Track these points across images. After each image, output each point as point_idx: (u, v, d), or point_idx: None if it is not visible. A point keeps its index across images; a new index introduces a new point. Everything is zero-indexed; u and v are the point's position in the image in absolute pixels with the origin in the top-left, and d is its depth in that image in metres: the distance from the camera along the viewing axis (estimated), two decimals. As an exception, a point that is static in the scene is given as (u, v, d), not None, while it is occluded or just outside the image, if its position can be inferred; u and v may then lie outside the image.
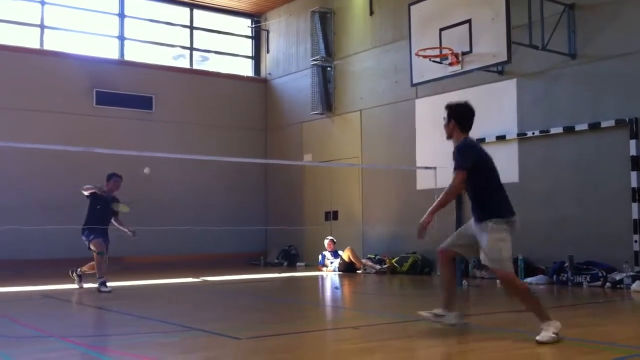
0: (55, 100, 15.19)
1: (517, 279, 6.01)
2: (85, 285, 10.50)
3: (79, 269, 10.63)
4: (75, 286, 10.51)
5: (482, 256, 5.91)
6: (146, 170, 7.08)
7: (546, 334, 5.38)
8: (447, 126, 6.37)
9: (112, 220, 10.77)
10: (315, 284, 12.09)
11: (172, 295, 10.16)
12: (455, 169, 6.03)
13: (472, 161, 6.02)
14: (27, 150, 13.08)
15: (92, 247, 10.35)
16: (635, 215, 10.21)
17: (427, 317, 6.20)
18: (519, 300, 5.80)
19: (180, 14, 17.55)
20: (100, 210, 10.59)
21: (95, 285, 10.06)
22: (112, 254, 13.44)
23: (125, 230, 10.73)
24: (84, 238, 10.49)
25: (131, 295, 10.11)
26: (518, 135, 11.84)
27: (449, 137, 6.35)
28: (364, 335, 6.08)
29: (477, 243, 5.97)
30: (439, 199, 6.09)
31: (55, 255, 14.45)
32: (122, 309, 8.10)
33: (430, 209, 6.09)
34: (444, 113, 6.40)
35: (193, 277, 12.48)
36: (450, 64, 11.28)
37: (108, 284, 10.04)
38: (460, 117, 6.34)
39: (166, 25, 17.44)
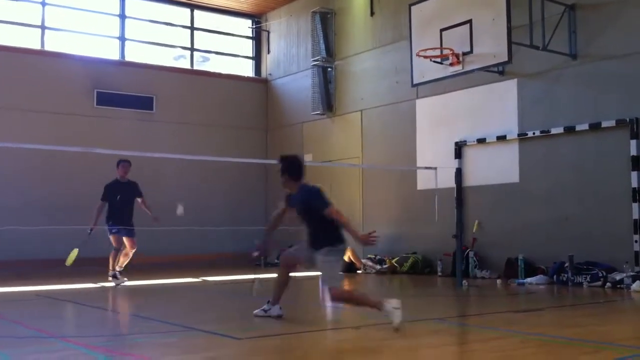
0: (56, 100, 15.20)
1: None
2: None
3: (110, 271, 11.02)
4: (113, 284, 10.87)
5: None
6: (179, 210, 7.36)
7: (393, 317, 5.93)
8: (282, 179, 7.06)
9: (140, 202, 11.26)
10: (315, 284, 12.06)
11: (172, 295, 10.15)
12: (324, 208, 6.83)
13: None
14: (28, 151, 13.09)
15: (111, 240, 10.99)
16: (635, 216, 10.20)
17: (259, 313, 6.88)
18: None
19: (181, 14, 17.56)
20: (120, 200, 11.03)
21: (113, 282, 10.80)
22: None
23: (149, 213, 11.19)
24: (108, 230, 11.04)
25: (131, 295, 10.11)
26: (519, 135, 11.84)
27: (286, 188, 7.08)
28: (364, 335, 6.08)
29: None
30: (347, 227, 6.76)
31: (55, 256, 14.43)
32: (123, 309, 8.10)
33: (355, 231, 6.68)
34: (278, 165, 7.05)
35: (193, 277, 12.48)
36: (451, 64, 11.27)
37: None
38: (295, 171, 7.05)
39: (167, 26, 17.44)
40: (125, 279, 11.02)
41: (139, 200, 11.30)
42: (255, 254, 7.18)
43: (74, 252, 10.76)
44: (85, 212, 14.59)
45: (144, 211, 11.31)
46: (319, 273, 6.76)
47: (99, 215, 11.03)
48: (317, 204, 6.84)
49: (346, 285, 7.13)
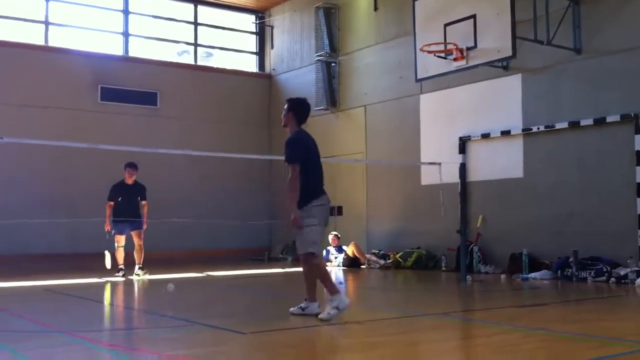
0: (60, 96, 15.23)
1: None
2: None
3: (137, 266, 11.42)
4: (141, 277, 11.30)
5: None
6: (170, 287, 7.67)
7: (328, 310, 6.28)
8: (285, 116, 6.99)
9: (141, 204, 11.60)
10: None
11: (176, 290, 10.17)
12: (287, 160, 6.78)
13: (303, 153, 6.80)
14: (32, 146, 13.13)
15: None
16: (640, 211, 10.20)
17: (295, 312, 6.67)
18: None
19: (185, 10, 17.56)
20: (123, 202, 11.42)
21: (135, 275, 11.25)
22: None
23: (144, 219, 11.53)
24: None
25: (137, 290, 10.14)
26: (523, 130, 11.82)
27: (285, 125, 7.04)
28: (368, 330, 6.09)
29: None
30: (290, 197, 6.69)
31: (59, 250, 14.51)
32: (128, 303, 8.13)
33: (292, 208, 6.63)
34: (285, 105, 7.04)
35: (197, 272, 12.50)
36: (455, 59, 11.25)
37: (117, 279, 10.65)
38: (299, 112, 6.94)
39: (170, 22, 17.45)
40: (147, 272, 11.41)
41: (141, 202, 11.57)
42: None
43: (106, 255, 11.49)
44: (89, 207, 14.71)
45: (141, 213, 11.60)
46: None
47: (109, 216, 11.43)
48: (289, 151, 6.79)
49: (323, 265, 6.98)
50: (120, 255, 11.47)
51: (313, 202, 6.70)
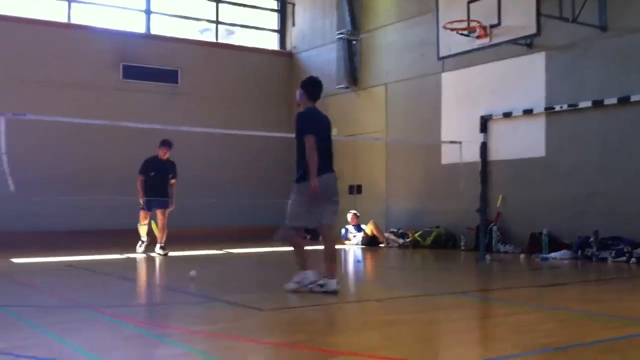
0: (82, 74, 15.30)
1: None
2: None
3: (158, 245, 11.48)
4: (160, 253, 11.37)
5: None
6: (192, 274, 7.64)
7: (294, 281, 6.68)
8: (299, 97, 7.12)
9: (171, 183, 11.66)
10: (338, 258, 12.13)
11: (196, 267, 10.26)
12: (302, 134, 6.85)
13: (314, 128, 6.86)
14: (55, 123, 13.21)
15: None
16: (663, 191, 10.07)
17: (314, 289, 6.68)
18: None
19: (206, -13, 17.51)
20: (154, 177, 11.48)
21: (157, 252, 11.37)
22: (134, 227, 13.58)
23: (172, 198, 11.58)
24: None
25: (158, 266, 10.25)
26: (545, 109, 11.69)
27: (299, 106, 7.14)
28: (387, 308, 6.11)
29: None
30: (311, 167, 6.72)
31: (82, 227, 14.67)
32: (148, 279, 8.22)
33: (312, 177, 6.67)
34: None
35: (217, 249, 12.59)
36: (478, 37, 11.14)
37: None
38: (310, 89, 7.04)
39: (192, -1, 17.42)
40: (168, 252, 11.36)
41: (171, 181, 11.62)
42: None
43: (152, 225, 11.63)
44: (111, 184, 14.84)
45: (170, 192, 11.66)
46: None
47: (142, 188, 11.50)
48: (300, 124, 6.87)
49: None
50: (143, 231, 11.62)
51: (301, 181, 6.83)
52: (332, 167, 7.07)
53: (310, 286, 6.70)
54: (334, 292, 6.54)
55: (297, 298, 6.53)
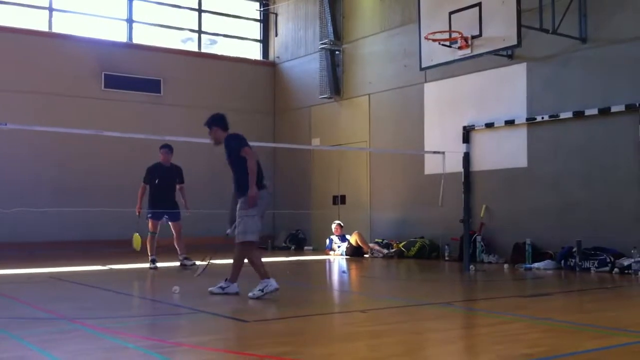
0: (63, 83, 15.21)
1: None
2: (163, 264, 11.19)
3: (181, 256, 11.13)
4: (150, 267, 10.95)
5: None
6: (175, 289, 7.58)
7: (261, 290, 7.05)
8: (213, 134, 7.68)
9: (179, 188, 11.28)
10: (322, 268, 12.12)
11: (180, 277, 10.20)
12: (240, 149, 7.33)
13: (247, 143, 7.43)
14: (36, 133, 13.12)
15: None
16: (644, 201, 10.17)
17: (215, 291, 7.37)
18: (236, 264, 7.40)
19: (189, -4, 17.51)
20: (159, 184, 11.03)
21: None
22: (124, 237, 13.37)
23: (184, 204, 11.26)
24: None
25: (141, 277, 10.17)
26: (527, 120, 11.78)
27: (217, 142, 7.66)
28: (371, 318, 6.09)
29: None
30: (252, 176, 7.19)
31: (64, 238, 14.55)
32: (132, 291, 8.15)
33: (252, 185, 7.18)
34: (206, 129, 7.80)
35: (201, 260, 12.50)
36: (460, 48, 11.21)
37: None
38: (221, 122, 7.68)
39: (174, 8, 17.38)
40: (194, 261, 10.81)
41: (178, 186, 11.25)
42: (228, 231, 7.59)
43: (136, 237, 10.95)
44: (93, 193, 14.75)
45: (180, 199, 11.31)
46: (237, 223, 7.24)
47: (141, 198, 11.06)
48: (235, 143, 7.36)
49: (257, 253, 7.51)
50: (152, 244, 10.94)
51: (260, 191, 7.27)
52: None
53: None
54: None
55: (282, 309, 6.50)
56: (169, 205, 11.02)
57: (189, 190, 11.57)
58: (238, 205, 7.25)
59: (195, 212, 11.78)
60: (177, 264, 11.17)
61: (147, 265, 10.95)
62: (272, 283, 7.11)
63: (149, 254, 10.94)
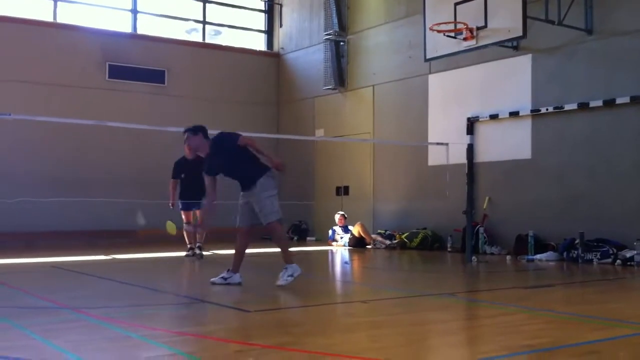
0: (68, 73, 15.21)
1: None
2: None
3: (188, 245, 11.42)
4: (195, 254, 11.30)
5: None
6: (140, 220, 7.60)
7: (285, 276, 7.08)
8: (195, 143, 7.60)
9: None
10: (325, 259, 12.14)
11: (183, 268, 10.23)
12: (237, 140, 7.33)
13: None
14: (40, 123, 13.13)
15: None
16: (648, 193, 10.15)
17: (217, 281, 7.33)
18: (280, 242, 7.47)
19: (193, -13, 17.47)
20: (185, 178, 11.24)
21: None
22: (127, 227, 13.38)
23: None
24: None
25: (143, 267, 10.20)
26: (532, 111, 11.75)
27: (198, 149, 7.66)
28: (373, 309, 6.10)
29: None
30: (267, 152, 7.48)
31: (67, 228, 14.58)
32: (134, 281, 8.18)
33: (273, 156, 7.50)
34: (185, 137, 7.71)
35: (205, 250, 12.54)
36: (465, 39, 11.17)
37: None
38: (204, 131, 7.57)
39: (179, -1, 17.37)
40: (202, 253, 11.26)
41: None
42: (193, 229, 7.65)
43: (169, 224, 10.95)
44: (96, 184, 14.77)
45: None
46: (257, 209, 7.22)
47: (173, 192, 11.35)
48: (228, 139, 7.34)
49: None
50: (189, 234, 11.30)
51: (268, 172, 7.32)
52: None
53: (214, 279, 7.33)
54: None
55: (284, 299, 6.52)
56: (197, 197, 11.23)
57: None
58: (257, 189, 7.19)
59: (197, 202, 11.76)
60: (175, 253, 11.35)
61: (155, 255, 11.10)
62: (298, 267, 7.21)
63: (187, 244, 11.33)
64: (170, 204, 11.35)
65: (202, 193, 11.24)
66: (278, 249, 7.44)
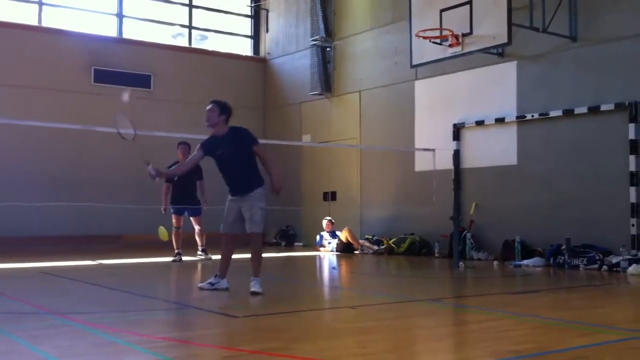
0: (53, 77, 15.12)
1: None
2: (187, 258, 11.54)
3: (200, 247, 11.78)
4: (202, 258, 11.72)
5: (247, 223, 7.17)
6: (125, 98, 7.52)
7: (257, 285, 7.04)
8: (215, 117, 7.48)
9: (197, 185, 11.57)
10: (312, 264, 12.12)
11: (171, 273, 10.18)
12: (255, 143, 7.41)
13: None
14: (26, 128, 13.06)
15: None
16: (633, 199, 10.23)
17: (204, 287, 7.31)
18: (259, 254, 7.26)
19: (180, -8, 17.44)
20: (178, 182, 11.30)
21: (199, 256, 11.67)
22: (113, 232, 13.31)
23: (203, 198, 11.57)
24: None
25: (131, 273, 10.14)
26: (517, 118, 11.82)
27: (213, 125, 7.53)
28: (360, 315, 6.10)
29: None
30: (276, 167, 7.58)
31: (54, 233, 14.48)
32: (121, 286, 8.13)
33: (280, 174, 7.59)
34: (210, 105, 7.63)
35: (191, 255, 12.49)
36: (451, 46, 11.23)
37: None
38: (228, 113, 7.49)
39: (165, 3, 17.32)
40: (210, 255, 11.57)
41: (197, 182, 11.53)
42: (152, 172, 7.64)
43: (161, 230, 11.11)
44: (83, 188, 14.67)
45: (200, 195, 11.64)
46: (247, 215, 7.13)
47: (166, 196, 11.45)
48: (249, 136, 7.35)
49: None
50: (177, 238, 11.41)
51: (264, 186, 7.34)
52: None
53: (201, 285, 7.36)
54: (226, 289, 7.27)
55: (272, 305, 6.50)
56: (189, 201, 11.48)
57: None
58: (253, 197, 7.17)
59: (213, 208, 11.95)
60: (164, 258, 11.15)
61: (141, 260, 11.08)
62: (224, 283, 7.33)
63: (175, 248, 11.39)
64: (162, 209, 11.42)
65: (194, 198, 11.48)
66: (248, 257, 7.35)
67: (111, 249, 13.99)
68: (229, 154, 7.25)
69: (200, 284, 7.43)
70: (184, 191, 11.40)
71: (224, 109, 7.39)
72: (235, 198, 7.28)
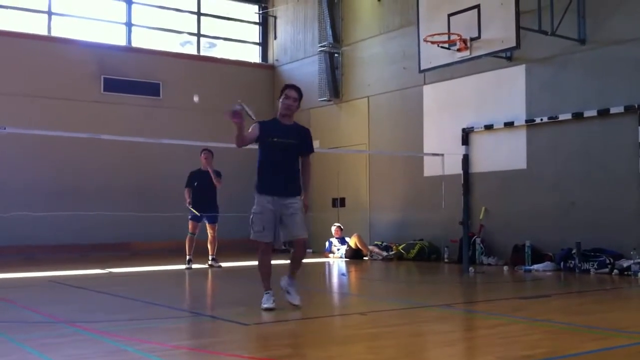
0: (63, 86, 15.21)
1: None
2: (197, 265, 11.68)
3: (210, 257, 11.83)
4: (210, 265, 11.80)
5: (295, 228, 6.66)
6: (195, 99, 7.59)
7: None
8: (296, 109, 7.24)
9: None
10: (322, 271, 12.11)
11: (180, 280, 10.20)
12: (311, 151, 7.26)
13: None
14: (36, 137, 13.14)
15: None
16: (643, 202, 10.17)
17: (270, 306, 6.47)
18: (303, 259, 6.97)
19: (188, 0, 17.50)
20: (198, 188, 11.59)
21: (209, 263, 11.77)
22: (121, 240, 13.44)
23: (215, 180, 11.70)
24: None
25: (140, 280, 10.16)
26: (526, 121, 11.79)
27: (291, 116, 7.19)
28: (371, 321, 6.09)
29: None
30: (310, 185, 7.23)
31: (63, 241, 14.54)
32: (131, 294, 8.14)
33: (309, 194, 7.19)
34: (294, 93, 7.25)
35: (202, 263, 12.51)
36: (459, 50, 11.21)
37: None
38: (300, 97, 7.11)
39: (174, 12, 17.40)
40: (220, 263, 11.77)
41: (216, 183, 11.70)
42: (238, 107, 7.15)
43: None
44: (92, 197, 14.73)
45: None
46: (291, 220, 6.63)
47: (188, 196, 11.63)
48: (310, 145, 7.18)
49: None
50: (190, 244, 11.53)
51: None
52: None
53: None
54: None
55: (282, 312, 6.49)
56: (208, 207, 11.59)
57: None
58: (299, 201, 6.71)
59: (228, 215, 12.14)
60: (171, 267, 11.32)
61: (150, 268, 11.10)
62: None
63: (187, 254, 11.49)
64: (187, 203, 11.53)
65: (213, 204, 11.59)
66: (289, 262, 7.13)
67: (119, 256, 14.03)
68: (289, 145, 6.86)
69: (265, 305, 6.50)
70: (203, 197, 11.53)
71: (300, 97, 7.12)
72: (272, 199, 6.60)
